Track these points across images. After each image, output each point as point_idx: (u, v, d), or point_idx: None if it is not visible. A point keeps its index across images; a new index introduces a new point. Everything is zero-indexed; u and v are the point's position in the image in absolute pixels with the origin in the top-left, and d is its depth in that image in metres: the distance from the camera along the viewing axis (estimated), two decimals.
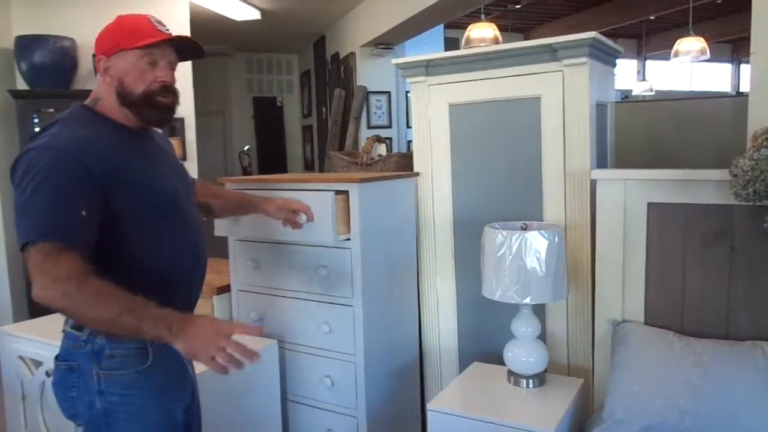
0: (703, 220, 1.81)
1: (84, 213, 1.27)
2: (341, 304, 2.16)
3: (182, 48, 1.48)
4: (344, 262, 2.12)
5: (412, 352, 2.45)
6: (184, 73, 3.99)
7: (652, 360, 1.75)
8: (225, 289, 2.50)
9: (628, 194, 1.91)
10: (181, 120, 4.25)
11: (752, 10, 1.84)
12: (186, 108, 4.27)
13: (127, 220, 1.35)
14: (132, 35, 1.38)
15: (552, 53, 2.05)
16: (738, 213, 1.74)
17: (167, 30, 1.44)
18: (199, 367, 1.65)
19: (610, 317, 1.96)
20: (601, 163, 2.19)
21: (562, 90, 2.06)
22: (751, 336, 1.73)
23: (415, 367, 2.47)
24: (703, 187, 1.79)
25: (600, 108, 2.17)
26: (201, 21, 4.68)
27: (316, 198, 2.01)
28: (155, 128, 1.57)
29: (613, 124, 2.39)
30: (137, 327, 1.24)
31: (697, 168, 1.83)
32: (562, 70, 2.05)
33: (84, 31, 3.85)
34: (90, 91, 1.48)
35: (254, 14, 4.80)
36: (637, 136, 2.57)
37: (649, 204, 1.89)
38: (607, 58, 2.23)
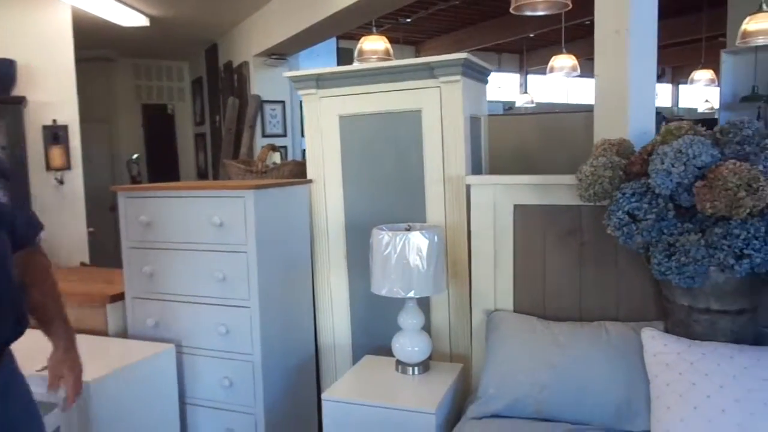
0: (558, 219, 2.08)
1: None
2: (238, 306, 2.24)
3: None
4: (240, 266, 2.21)
5: (308, 349, 2.57)
6: (68, 80, 3.85)
7: (519, 343, 1.99)
8: (118, 297, 2.49)
9: (497, 197, 2.15)
10: (65, 127, 4.08)
11: (594, 39, 2.14)
12: (70, 115, 4.10)
13: None
14: None
15: (430, 71, 2.26)
16: (586, 212, 2.02)
17: None
18: (89, 375, 1.66)
19: (484, 307, 2.19)
20: (476, 170, 2.43)
21: (440, 104, 2.28)
22: (599, 317, 2.01)
23: (311, 362, 2.59)
24: (558, 190, 2.06)
25: (474, 120, 2.41)
26: (85, 26, 4.53)
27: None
28: None
29: (487, 135, 2.65)
30: None
31: (555, 174, 2.10)
32: (439, 86, 2.27)
33: None
34: None
35: (142, 21, 4.71)
36: (509, 145, 2.86)
37: (515, 206, 2.14)
38: (478, 75, 2.49)
